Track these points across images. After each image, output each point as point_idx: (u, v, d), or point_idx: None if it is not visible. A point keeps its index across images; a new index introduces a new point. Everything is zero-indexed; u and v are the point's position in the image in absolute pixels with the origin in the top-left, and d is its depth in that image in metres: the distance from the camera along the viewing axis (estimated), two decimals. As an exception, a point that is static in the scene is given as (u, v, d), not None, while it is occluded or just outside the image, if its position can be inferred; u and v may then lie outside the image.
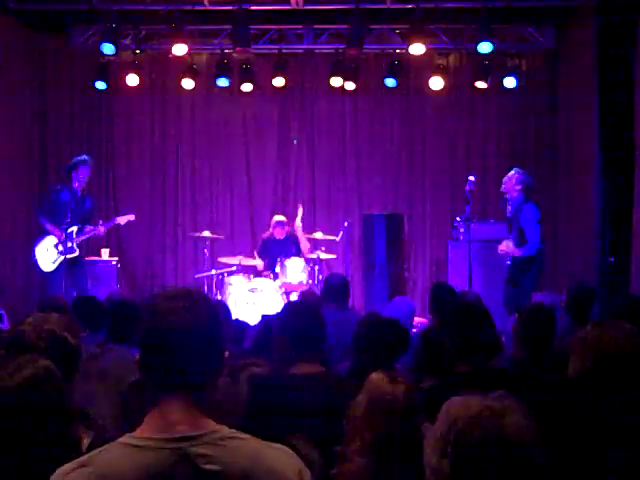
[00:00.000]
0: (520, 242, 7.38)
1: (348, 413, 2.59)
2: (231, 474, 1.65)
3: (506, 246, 7.42)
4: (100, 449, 1.70)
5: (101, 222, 8.40)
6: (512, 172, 7.63)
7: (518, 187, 7.46)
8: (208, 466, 1.64)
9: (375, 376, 2.64)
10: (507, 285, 7.49)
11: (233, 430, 1.73)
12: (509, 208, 7.56)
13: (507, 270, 7.53)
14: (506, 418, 1.51)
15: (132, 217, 8.62)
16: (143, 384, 1.81)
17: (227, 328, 4.36)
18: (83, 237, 8.21)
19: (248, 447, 1.72)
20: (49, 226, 8.03)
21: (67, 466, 1.66)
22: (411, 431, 2.47)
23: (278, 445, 1.78)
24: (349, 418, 2.58)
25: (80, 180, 8.11)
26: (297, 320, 3.20)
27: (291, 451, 1.79)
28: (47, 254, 8.04)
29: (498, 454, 1.47)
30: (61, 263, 7.93)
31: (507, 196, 7.54)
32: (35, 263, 8.10)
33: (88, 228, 8.24)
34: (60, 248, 7.96)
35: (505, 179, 7.62)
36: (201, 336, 1.73)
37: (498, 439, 1.48)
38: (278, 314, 3.61)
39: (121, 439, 1.69)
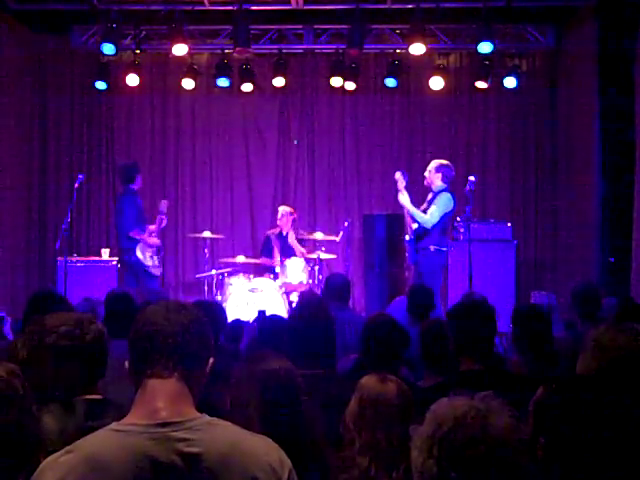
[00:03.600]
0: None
1: (343, 418, 2.59)
2: (210, 457, 1.72)
3: (409, 205, 7.65)
4: (87, 436, 1.77)
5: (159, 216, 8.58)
6: (432, 164, 7.83)
7: (438, 175, 7.69)
8: (188, 449, 1.71)
9: (365, 379, 2.64)
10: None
11: (215, 418, 1.81)
12: (430, 195, 7.77)
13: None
14: (491, 418, 1.53)
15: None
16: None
17: (222, 327, 4.36)
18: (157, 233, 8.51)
19: (228, 433, 1.80)
20: (143, 236, 8.24)
21: (54, 455, 1.73)
22: (406, 430, 2.47)
23: (260, 435, 1.85)
24: (344, 423, 2.58)
25: (140, 186, 8.48)
26: (311, 322, 3.23)
27: (273, 442, 1.84)
28: (152, 259, 8.29)
29: (483, 454, 1.49)
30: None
31: (431, 186, 7.76)
32: (147, 271, 8.25)
33: (152, 227, 8.47)
34: (155, 245, 8.35)
35: (426, 173, 7.82)
36: (187, 332, 1.84)
37: (483, 439, 1.50)
38: (290, 316, 3.62)
39: (107, 427, 1.76)
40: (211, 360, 1.90)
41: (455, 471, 1.49)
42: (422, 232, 7.60)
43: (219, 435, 1.77)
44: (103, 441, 1.73)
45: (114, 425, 1.75)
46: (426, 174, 7.82)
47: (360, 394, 2.59)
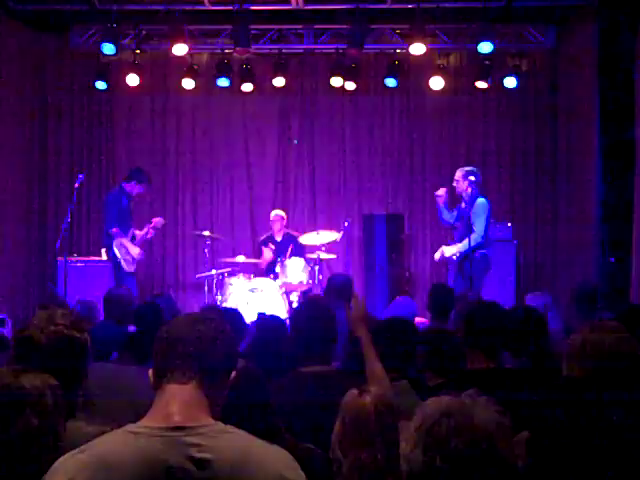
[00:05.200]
0: (468, 233, 7.54)
1: (332, 442, 2.50)
2: (221, 463, 1.72)
3: (441, 253, 7.73)
4: (101, 437, 1.79)
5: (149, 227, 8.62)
6: (458, 173, 7.84)
7: (466, 182, 7.69)
8: (199, 454, 1.71)
9: (346, 396, 2.56)
10: (457, 279, 7.62)
11: (229, 426, 1.80)
12: (463, 205, 7.75)
13: (457, 265, 7.70)
14: (475, 411, 1.58)
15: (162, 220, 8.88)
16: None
17: (238, 332, 4.37)
18: (140, 241, 8.53)
19: (242, 441, 1.79)
20: (121, 237, 8.28)
21: (67, 454, 1.75)
22: (391, 445, 2.36)
23: (275, 445, 1.83)
24: (332, 449, 2.49)
25: (133, 192, 8.49)
26: (312, 321, 3.26)
27: (287, 452, 1.83)
28: (127, 256, 8.31)
29: (467, 443, 1.53)
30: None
31: (463, 194, 7.76)
32: (119, 265, 8.30)
33: (138, 233, 8.55)
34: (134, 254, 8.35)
35: (454, 183, 7.83)
36: (210, 342, 1.87)
37: (467, 429, 1.55)
38: (292, 314, 3.66)
39: (122, 428, 1.77)
40: (233, 373, 1.92)
41: (441, 459, 1.53)
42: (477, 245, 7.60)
43: (232, 443, 1.77)
44: (115, 442, 1.74)
45: (128, 427, 1.76)
46: (454, 184, 7.83)
47: (342, 414, 2.51)
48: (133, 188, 8.46)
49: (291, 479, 1.76)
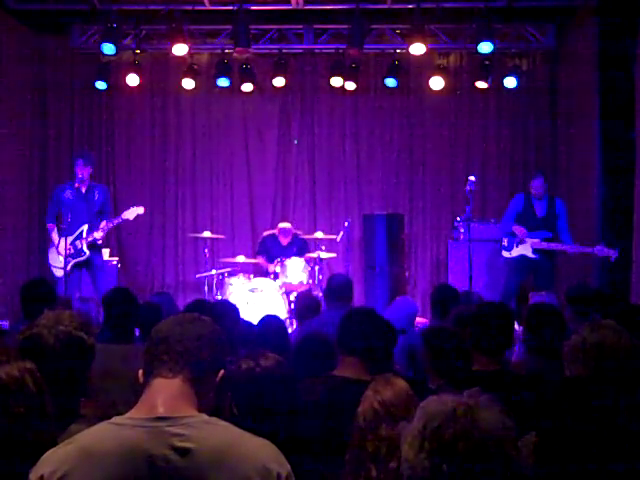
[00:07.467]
0: (553, 235, 7.91)
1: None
2: (203, 453, 1.75)
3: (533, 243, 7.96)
4: (87, 429, 1.83)
5: (105, 221, 7.77)
6: (538, 179, 8.10)
7: (546, 186, 8.10)
8: (181, 443, 1.74)
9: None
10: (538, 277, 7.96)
11: (214, 417, 1.84)
12: (539, 208, 8.05)
13: (529, 262, 7.93)
14: (480, 414, 1.55)
15: (141, 210, 7.99)
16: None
17: (235, 326, 4.38)
18: (93, 237, 7.69)
19: (225, 432, 1.82)
20: (53, 234, 7.77)
21: (56, 447, 1.80)
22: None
23: (261, 438, 1.85)
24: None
25: (78, 176, 7.68)
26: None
27: (273, 445, 1.85)
28: (57, 260, 7.71)
29: (474, 447, 1.51)
30: (73, 267, 7.65)
31: (543, 195, 8.09)
32: (50, 269, 7.88)
33: (102, 224, 7.71)
34: (69, 251, 7.48)
35: (538, 185, 8.07)
36: (199, 340, 1.91)
37: (473, 433, 1.52)
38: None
39: (107, 420, 1.81)
40: (221, 372, 1.94)
41: (447, 464, 1.51)
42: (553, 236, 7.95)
43: (215, 433, 1.80)
44: (99, 433, 1.79)
45: (114, 419, 1.81)
46: (538, 186, 8.05)
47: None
48: (80, 171, 7.63)
49: (275, 471, 1.78)
